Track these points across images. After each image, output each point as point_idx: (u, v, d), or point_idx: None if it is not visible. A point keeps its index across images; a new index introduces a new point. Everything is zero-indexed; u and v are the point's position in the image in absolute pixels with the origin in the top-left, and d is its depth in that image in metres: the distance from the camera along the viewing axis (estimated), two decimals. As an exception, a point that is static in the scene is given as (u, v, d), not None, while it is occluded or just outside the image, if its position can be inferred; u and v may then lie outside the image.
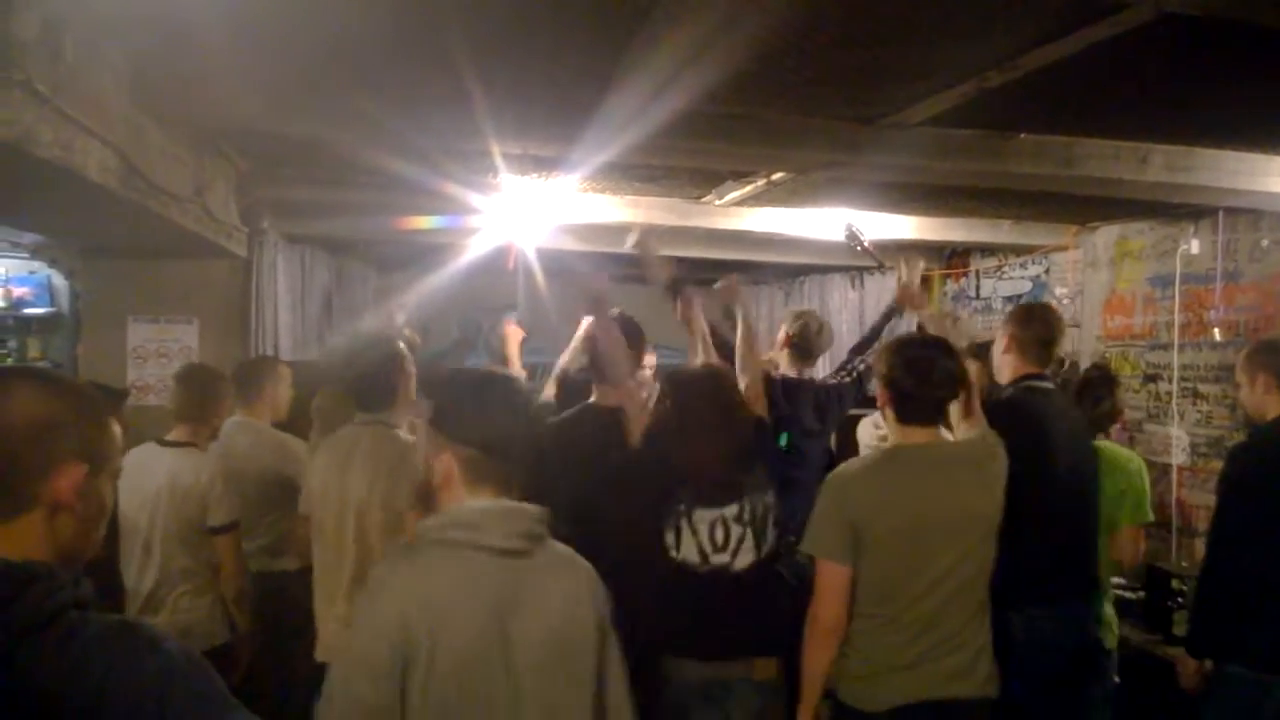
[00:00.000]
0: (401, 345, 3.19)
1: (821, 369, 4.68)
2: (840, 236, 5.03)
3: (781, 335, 3.89)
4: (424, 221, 5.20)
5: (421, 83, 2.96)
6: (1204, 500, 4.49)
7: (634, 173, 4.31)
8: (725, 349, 3.39)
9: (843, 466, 2.69)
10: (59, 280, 5.98)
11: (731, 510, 2.72)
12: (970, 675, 2.54)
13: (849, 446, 4.58)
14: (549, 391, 3.61)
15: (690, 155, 3.65)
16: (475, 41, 2.53)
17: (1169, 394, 4.85)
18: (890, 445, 2.71)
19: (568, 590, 1.76)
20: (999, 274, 6.31)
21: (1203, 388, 4.69)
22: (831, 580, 2.54)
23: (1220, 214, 4.57)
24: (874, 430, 4.62)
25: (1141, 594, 4.21)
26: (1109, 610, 3.45)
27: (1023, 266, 6.13)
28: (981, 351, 3.65)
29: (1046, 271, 5.94)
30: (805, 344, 3.80)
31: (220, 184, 4.09)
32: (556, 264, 6.23)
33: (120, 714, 1.12)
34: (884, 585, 2.53)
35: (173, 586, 3.35)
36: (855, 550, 2.52)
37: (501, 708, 1.65)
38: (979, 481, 2.61)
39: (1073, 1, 2.24)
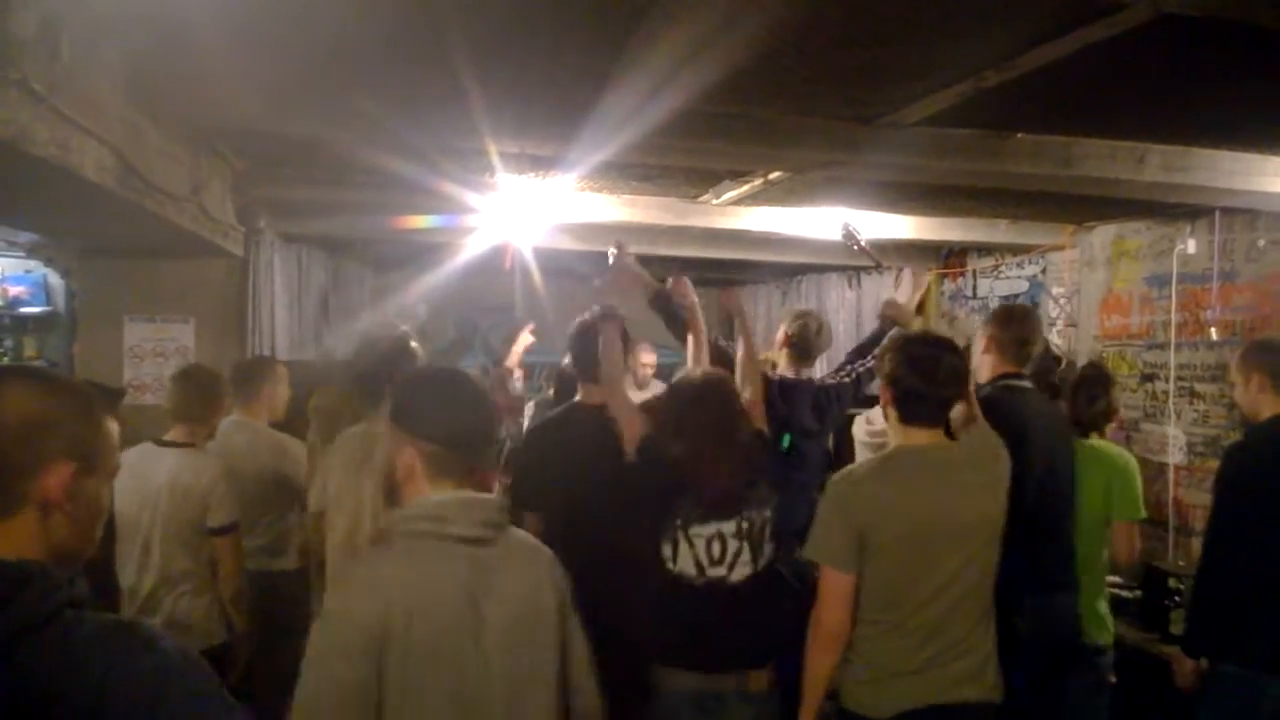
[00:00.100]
0: (415, 344, 3.17)
1: (820, 369, 4.69)
2: (837, 236, 5.04)
3: (780, 335, 3.89)
4: (421, 221, 5.19)
5: (419, 82, 2.96)
6: (1201, 499, 4.49)
7: (631, 172, 4.31)
8: (722, 359, 3.41)
9: (845, 471, 2.65)
10: (55, 279, 5.97)
11: (729, 527, 2.69)
12: (979, 679, 2.51)
13: (846, 445, 4.58)
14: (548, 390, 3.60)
15: (687, 154, 3.65)
16: (474, 41, 2.53)
17: (1166, 393, 4.85)
18: (893, 447, 2.65)
19: (530, 575, 1.86)
20: (996, 274, 6.32)
21: (1199, 387, 4.70)
22: (835, 587, 2.50)
23: (1217, 214, 4.57)
24: (866, 426, 4.62)
25: (1139, 593, 4.21)
26: (1103, 607, 3.46)
27: (1019, 266, 6.13)
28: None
29: (1043, 271, 5.95)
30: (804, 344, 3.80)
31: (217, 183, 4.08)
32: (553, 263, 6.24)
33: (118, 713, 1.12)
34: (889, 591, 2.49)
35: (171, 586, 3.34)
36: (859, 556, 2.48)
37: (472, 687, 1.73)
38: (984, 484, 2.58)
39: (1070, 1, 2.24)
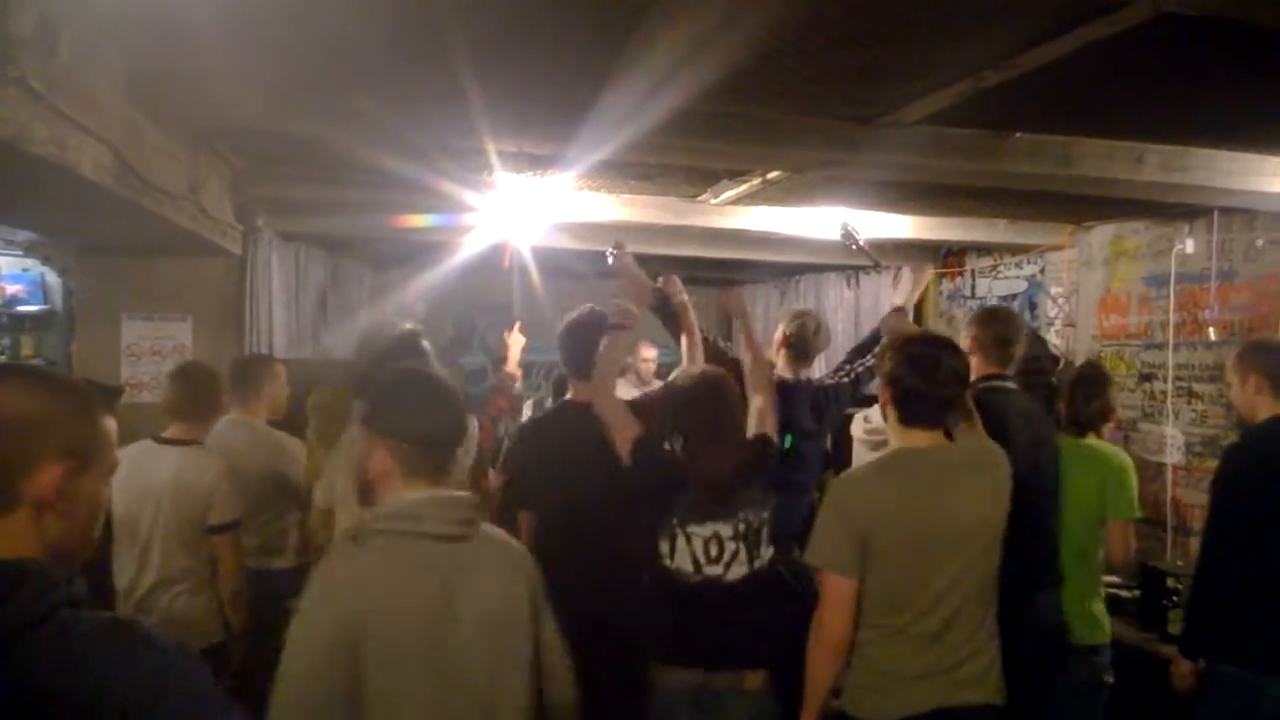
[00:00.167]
0: (427, 343, 3.16)
1: (819, 369, 4.69)
2: (836, 236, 5.04)
3: (778, 335, 3.88)
4: (419, 220, 5.19)
5: (418, 81, 2.95)
6: (1199, 499, 4.49)
7: (629, 171, 4.31)
8: (720, 359, 3.42)
9: (846, 474, 2.63)
10: (52, 278, 5.97)
11: (726, 529, 2.69)
12: (982, 683, 2.48)
13: (845, 444, 4.59)
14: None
15: (686, 154, 3.65)
16: (473, 40, 2.53)
17: (1164, 393, 4.86)
18: (893, 449, 2.61)
19: (502, 569, 1.93)
20: (994, 273, 6.32)
21: (1198, 387, 4.70)
22: (837, 592, 2.46)
23: (1215, 214, 4.57)
24: (864, 425, 4.63)
25: (1137, 592, 4.21)
26: (1098, 607, 3.46)
27: (1018, 266, 6.13)
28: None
29: (1042, 271, 5.95)
30: (802, 344, 3.79)
31: (215, 182, 4.08)
32: (552, 262, 6.24)
33: (116, 712, 1.12)
34: (891, 595, 2.45)
35: (170, 585, 3.34)
36: (862, 560, 2.44)
37: (449, 679, 1.79)
38: (986, 488, 2.55)
39: (1070, 0, 2.24)
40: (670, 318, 3.43)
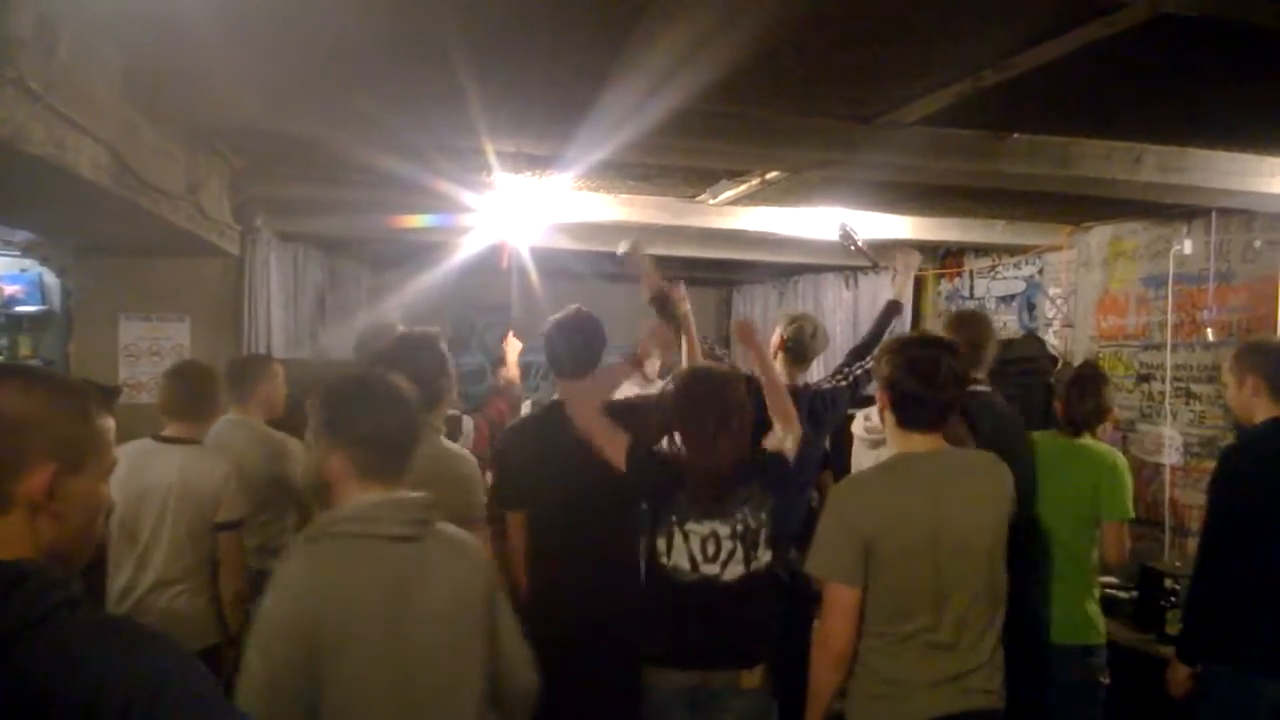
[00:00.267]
0: (445, 347, 3.16)
1: (818, 370, 4.69)
2: (834, 236, 5.04)
3: (775, 339, 3.88)
4: (418, 220, 5.19)
5: (417, 80, 2.95)
6: (1197, 500, 4.49)
7: (628, 171, 4.31)
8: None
9: (846, 481, 2.58)
10: (50, 278, 5.97)
11: (724, 529, 2.69)
12: (987, 689, 2.44)
13: (845, 442, 4.59)
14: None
15: (685, 154, 3.65)
16: (472, 39, 2.53)
17: (1162, 394, 4.86)
18: (894, 454, 2.54)
19: (457, 567, 1.98)
20: (993, 274, 6.33)
21: (1196, 388, 4.71)
22: (841, 601, 2.41)
23: (1213, 214, 4.58)
24: (864, 423, 4.62)
25: (1134, 593, 4.21)
26: (1093, 608, 3.45)
27: (1016, 266, 6.14)
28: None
29: (1040, 271, 5.95)
30: (800, 348, 3.79)
31: (213, 181, 4.07)
32: (550, 263, 6.24)
33: (116, 712, 1.12)
34: (896, 603, 2.40)
35: (170, 585, 3.33)
36: (865, 569, 2.39)
37: (406, 674, 1.85)
38: (989, 492, 2.50)
39: (1068, 1, 2.24)
40: (670, 319, 3.44)
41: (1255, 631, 2.93)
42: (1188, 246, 4.74)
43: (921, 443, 2.47)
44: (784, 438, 2.87)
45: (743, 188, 4.49)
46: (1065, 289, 5.71)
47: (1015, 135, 3.47)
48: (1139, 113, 3.26)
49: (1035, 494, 3.39)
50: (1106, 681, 3.45)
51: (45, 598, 1.16)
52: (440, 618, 1.90)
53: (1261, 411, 3.08)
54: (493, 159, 3.62)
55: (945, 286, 6.76)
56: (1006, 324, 6.17)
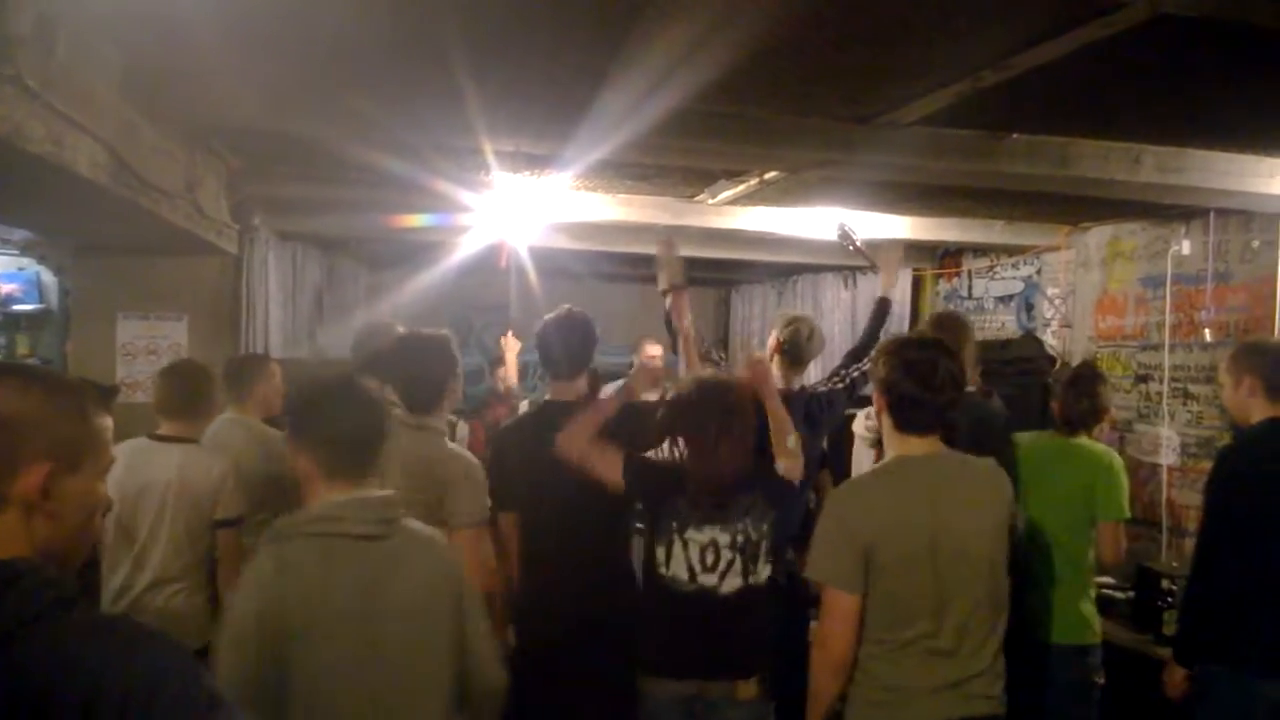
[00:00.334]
0: (455, 348, 3.16)
1: (817, 372, 4.69)
2: (833, 236, 5.04)
3: (772, 341, 3.89)
4: (416, 219, 5.19)
5: (415, 80, 2.95)
6: (1194, 500, 4.50)
7: (627, 171, 4.31)
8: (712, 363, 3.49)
9: (845, 485, 2.53)
10: (48, 277, 5.96)
11: (724, 537, 2.68)
12: (989, 695, 2.41)
13: (845, 441, 4.59)
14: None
15: (683, 154, 3.65)
16: (471, 39, 2.53)
17: (1160, 394, 4.86)
18: (892, 457, 2.49)
19: (425, 564, 2.01)
20: (991, 274, 6.33)
21: (1193, 388, 4.71)
22: (841, 608, 2.37)
23: (1211, 215, 4.59)
24: (865, 422, 4.62)
25: (1131, 593, 4.22)
26: (1087, 608, 3.45)
27: (1015, 267, 6.14)
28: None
29: (1038, 272, 5.96)
30: (796, 350, 3.78)
31: (211, 180, 4.07)
32: (549, 263, 6.24)
33: (114, 710, 1.12)
34: (896, 609, 2.36)
35: (168, 584, 3.32)
36: (865, 574, 2.35)
37: (372, 672, 1.89)
38: (989, 496, 2.47)
39: (1067, 1, 2.24)
40: (671, 324, 3.53)
41: (1252, 632, 2.93)
42: (1186, 247, 4.74)
43: (919, 445, 2.44)
44: (787, 470, 2.86)
45: (741, 188, 4.49)
46: (1063, 289, 5.71)
47: (1014, 135, 3.48)
48: (1138, 113, 3.26)
49: (1018, 495, 3.39)
50: (1101, 681, 3.46)
51: (39, 596, 1.16)
52: (407, 616, 1.93)
53: (1258, 412, 3.08)
54: (491, 158, 3.62)
55: (944, 286, 6.76)
56: (1005, 324, 6.17)
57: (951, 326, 3.56)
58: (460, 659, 2.03)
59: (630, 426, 2.95)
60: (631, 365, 6.18)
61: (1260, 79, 2.78)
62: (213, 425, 3.75)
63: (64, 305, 5.82)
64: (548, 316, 3.25)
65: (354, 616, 1.87)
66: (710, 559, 2.68)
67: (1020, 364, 5.34)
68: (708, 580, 2.69)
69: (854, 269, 7.05)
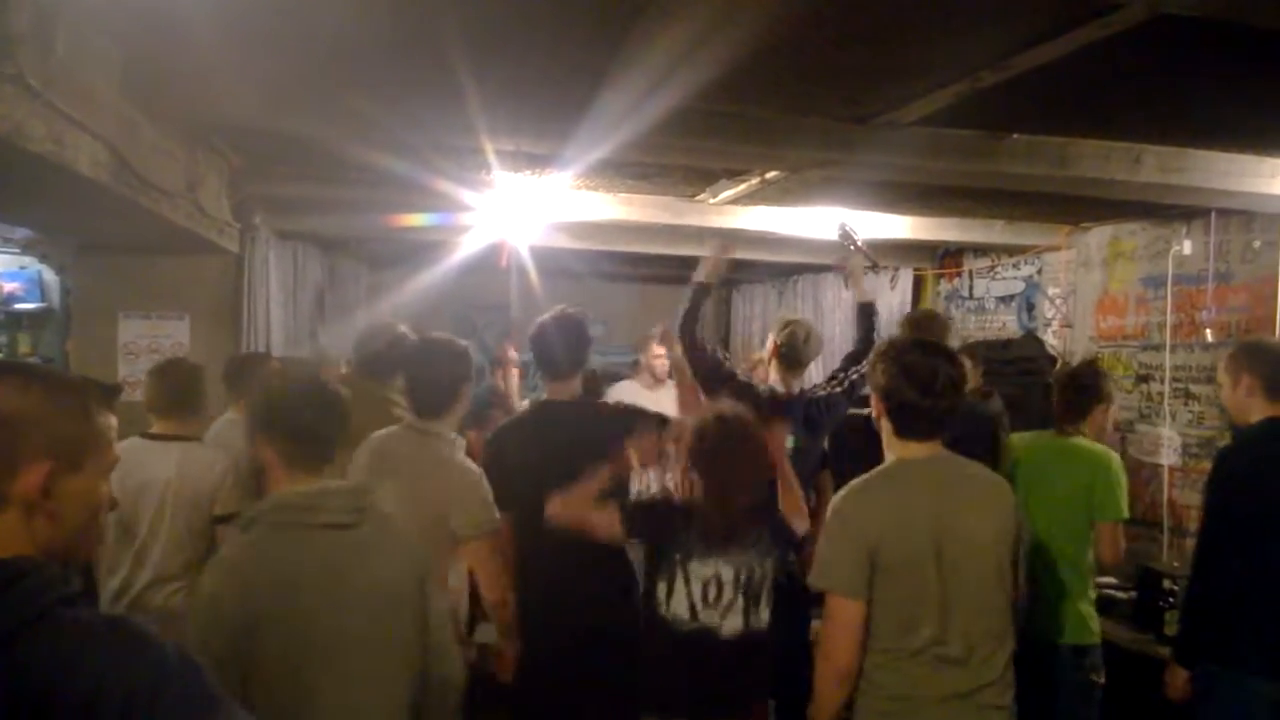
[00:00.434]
0: (469, 356, 3.16)
1: (816, 373, 4.69)
2: (834, 235, 5.04)
3: (770, 344, 3.90)
4: (417, 219, 5.20)
5: (416, 79, 2.96)
6: (1195, 500, 4.50)
7: (627, 170, 4.31)
8: (717, 371, 3.58)
9: (848, 488, 2.46)
10: (50, 275, 5.97)
11: (728, 572, 2.63)
12: (1000, 706, 2.37)
13: (844, 443, 4.58)
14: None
15: (684, 153, 3.65)
16: (471, 38, 2.53)
17: (1161, 395, 4.86)
18: (895, 460, 2.44)
19: (390, 554, 2.07)
20: (992, 274, 6.33)
21: (1194, 388, 4.71)
22: (845, 616, 2.31)
23: (1212, 215, 4.58)
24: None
25: (1132, 594, 4.22)
26: (1087, 608, 3.45)
27: (1015, 267, 6.14)
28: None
29: (1039, 272, 5.96)
30: (793, 353, 3.79)
31: (212, 179, 4.07)
32: (550, 262, 6.24)
33: (116, 709, 1.12)
34: (902, 615, 2.31)
35: (167, 583, 3.32)
36: (870, 580, 2.30)
37: (338, 656, 1.93)
38: (991, 498, 2.44)
39: (1066, 1, 2.24)
40: (691, 314, 3.66)
41: (1253, 633, 2.92)
42: (1187, 247, 4.74)
43: (920, 450, 2.40)
44: (796, 526, 2.88)
45: (742, 187, 4.49)
46: (1064, 289, 5.71)
47: (1014, 135, 3.47)
48: (1138, 113, 3.26)
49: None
50: (1101, 681, 3.45)
51: (43, 595, 1.16)
52: (371, 602, 1.98)
53: (1257, 411, 3.06)
54: (492, 158, 3.62)
55: (944, 286, 6.76)
56: (1005, 324, 6.17)
57: (928, 325, 3.55)
58: (423, 649, 2.08)
59: (627, 423, 2.96)
60: (635, 365, 6.19)
61: (1260, 79, 2.78)
62: (215, 426, 3.75)
63: (65, 304, 5.83)
64: (542, 317, 3.26)
65: (320, 602, 1.92)
66: (713, 594, 2.62)
67: (1021, 364, 5.33)
68: (709, 618, 2.62)
69: (855, 269, 7.05)
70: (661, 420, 3.24)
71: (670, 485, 2.92)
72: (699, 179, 4.56)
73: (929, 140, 3.40)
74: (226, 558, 2.00)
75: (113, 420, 1.35)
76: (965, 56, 2.64)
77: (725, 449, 2.65)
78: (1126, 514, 3.47)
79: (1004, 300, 6.21)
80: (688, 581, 2.63)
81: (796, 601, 3.23)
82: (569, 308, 3.28)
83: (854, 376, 3.78)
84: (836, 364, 4.11)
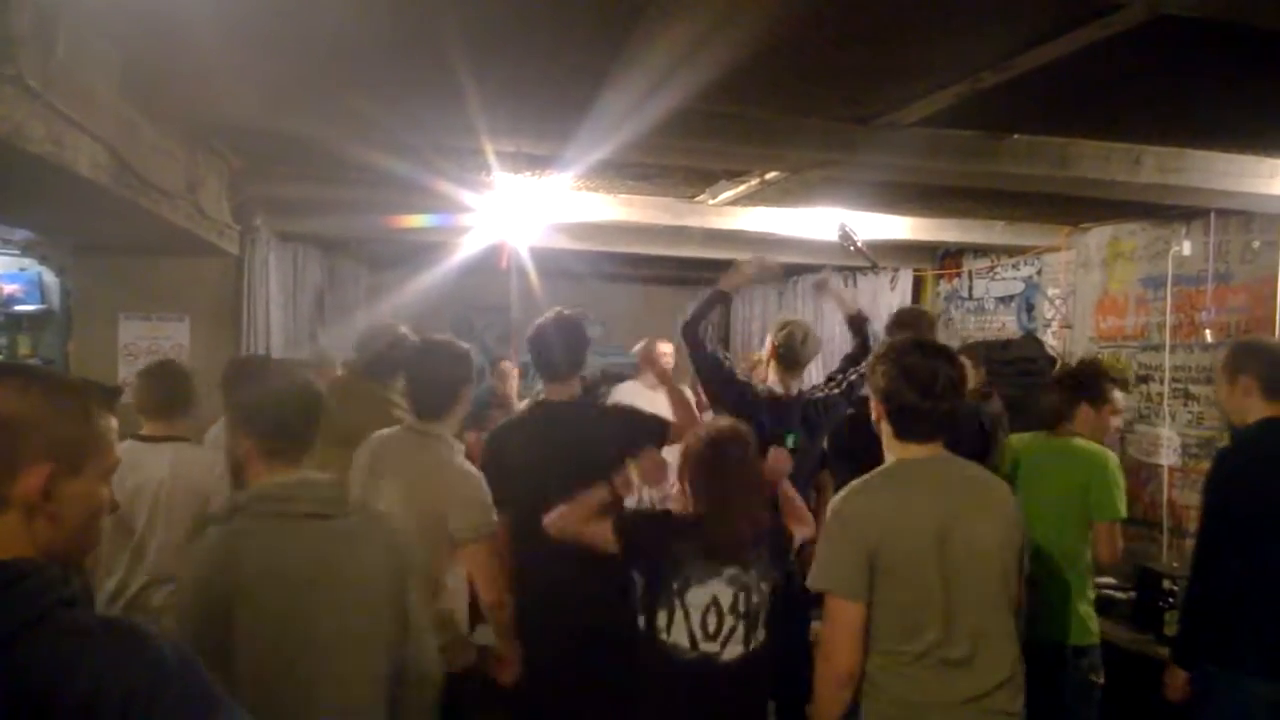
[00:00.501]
0: (472, 359, 3.16)
1: (815, 374, 4.69)
2: (834, 236, 5.05)
3: (768, 346, 3.91)
4: (417, 220, 5.20)
5: (416, 80, 2.96)
6: (1195, 501, 4.49)
7: (628, 171, 4.31)
8: (718, 370, 3.60)
9: (848, 488, 2.44)
10: (50, 277, 5.96)
11: (726, 594, 2.62)
12: (1010, 711, 2.34)
13: (845, 442, 4.58)
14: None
15: (684, 154, 3.65)
16: (471, 39, 2.53)
17: (1160, 395, 4.86)
18: (895, 460, 2.42)
19: (371, 545, 2.09)
20: (991, 274, 6.33)
21: (1194, 389, 4.71)
22: (845, 619, 2.28)
23: (1212, 215, 4.58)
24: None
25: (1132, 594, 4.22)
26: (1085, 608, 3.45)
27: (1015, 267, 6.14)
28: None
29: (1039, 272, 5.96)
30: (791, 354, 3.79)
31: (212, 181, 4.07)
32: (550, 263, 6.25)
33: (113, 711, 1.12)
34: (905, 618, 2.28)
35: (165, 583, 3.31)
36: (870, 582, 2.27)
37: (319, 642, 1.96)
38: (996, 504, 2.40)
39: (1067, 2, 2.24)
40: (708, 307, 3.70)
41: (1252, 633, 2.91)
42: (1186, 248, 4.74)
43: (920, 451, 2.38)
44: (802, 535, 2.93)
45: (742, 188, 4.49)
46: (1064, 290, 5.71)
47: (1014, 136, 3.48)
48: (1138, 114, 3.26)
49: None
50: (1101, 682, 3.45)
51: (43, 597, 1.16)
52: (351, 593, 2.01)
53: (1255, 411, 3.04)
54: (492, 159, 3.62)
55: (944, 287, 6.77)
56: (1005, 325, 6.17)
57: (914, 322, 3.55)
58: (400, 641, 2.10)
59: (624, 421, 2.96)
60: (638, 365, 6.19)
61: (1260, 79, 2.78)
62: (213, 430, 3.74)
63: (65, 306, 5.82)
64: (539, 320, 3.27)
65: (301, 590, 1.95)
66: (712, 624, 2.61)
67: (1021, 364, 5.34)
68: (709, 647, 2.61)
69: (855, 269, 7.05)
70: (660, 425, 3.24)
71: (670, 501, 2.92)
72: (699, 180, 4.56)
73: (930, 141, 3.40)
74: (209, 544, 2.02)
75: (114, 422, 1.34)
76: (966, 57, 2.64)
77: (721, 458, 2.67)
78: (1124, 513, 3.47)
79: (1004, 301, 6.21)
80: (687, 616, 2.62)
81: (796, 602, 3.23)
82: (566, 309, 3.29)
83: (852, 377, 3.78)
84: (835, 365, 4.12)
